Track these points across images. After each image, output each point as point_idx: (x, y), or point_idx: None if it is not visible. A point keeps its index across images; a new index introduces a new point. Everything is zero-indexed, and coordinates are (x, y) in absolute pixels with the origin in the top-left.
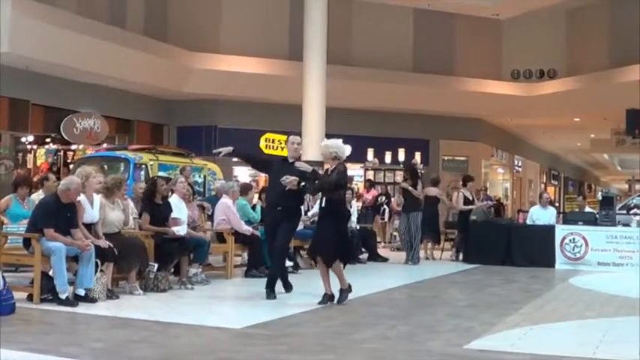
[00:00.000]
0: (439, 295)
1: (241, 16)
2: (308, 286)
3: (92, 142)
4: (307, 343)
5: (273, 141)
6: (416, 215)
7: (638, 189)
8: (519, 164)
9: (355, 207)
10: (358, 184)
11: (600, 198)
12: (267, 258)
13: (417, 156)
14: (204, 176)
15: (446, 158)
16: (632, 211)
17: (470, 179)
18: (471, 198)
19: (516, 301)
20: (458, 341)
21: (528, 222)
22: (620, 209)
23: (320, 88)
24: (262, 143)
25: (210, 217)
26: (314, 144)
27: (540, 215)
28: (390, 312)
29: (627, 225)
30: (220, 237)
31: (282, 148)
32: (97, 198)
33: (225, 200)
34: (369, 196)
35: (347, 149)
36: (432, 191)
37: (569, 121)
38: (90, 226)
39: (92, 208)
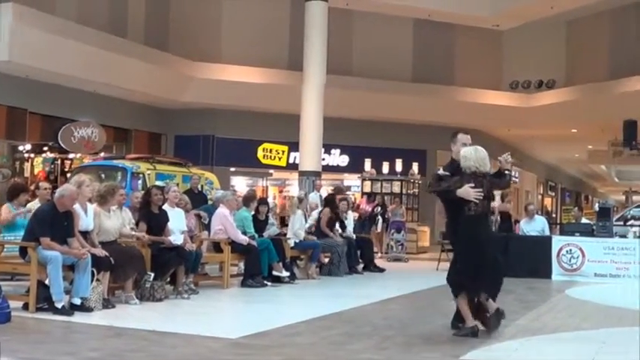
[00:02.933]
0: (435, 306)
1: (241, 26)
2: (304, 296)
3: (90, 151)
4: (304, 353)
5: (270, 151)
6: None
7: (635, 200)
8: (517, 175)
9: (351, 217)
10: (355, 195)
11: (597, 209)
12: (265, 267)
13: (415, 166)
14: (202, 186)
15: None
16: (629, 223)
17: None
18: None
19: (513, 312)
20: (454, 352)
21: (520, 233)
22: (617, 220)
23: (319, 98)
24: (260, 153)
25: (207, 227)
26: (312, 154)
27: (529, 228)
28: (386, 322)
29: (624, 236)
30: (217, 247)
31: (280, 158)
32: (92, 206)
33: (222, 210)
34: (368, 208)
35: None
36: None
37: (567, 132)
38: (85, 235)
39: (87, 216)
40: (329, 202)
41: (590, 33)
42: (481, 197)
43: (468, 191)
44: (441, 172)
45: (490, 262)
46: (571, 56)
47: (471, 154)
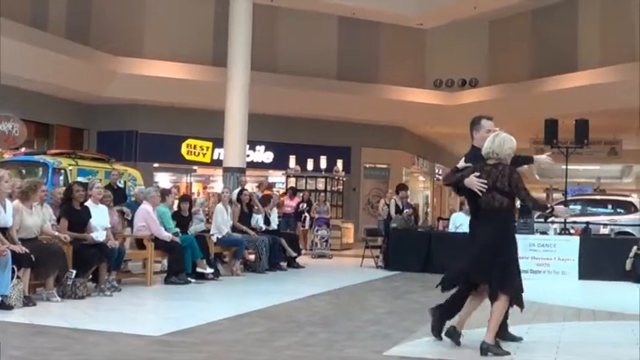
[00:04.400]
0: (359, 302)
1: (165, 21)
2: (228, 293)
3: (10, 147)
4: (227, 350)
5: (194, 147)
6: None
7: (555, 197)
8: (440, 172)
9: (276, 214)
10: (280, 191)
11: (519, 206)
12: (189, 264)
13: (339, 163)
14: (125, 182)
15: (367, 166)
16: (549, 220)
17: (403, 188)
18: (401, 206)
19: None
20: (377, 348)
21: (451, 228)
22: (538, 217)
23: (243, 94)
24: (184, 149)
25: (130, 223)
26: (236, 150)
27: (464, 221)
28: (310, 319)
29: (545, 233)
30: (140, 243)
31: (204, 155)
32: (12, 203)
33: (144, 206)
34: (292, 203)
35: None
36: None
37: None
38: (5, 231)
39: (5, 213)
40: (237, 198)
41: (512, 33)
42: (484, 189)
43: (472, 180)
44: (460, 163)
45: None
46: (493, 56)
47: (489, 141)
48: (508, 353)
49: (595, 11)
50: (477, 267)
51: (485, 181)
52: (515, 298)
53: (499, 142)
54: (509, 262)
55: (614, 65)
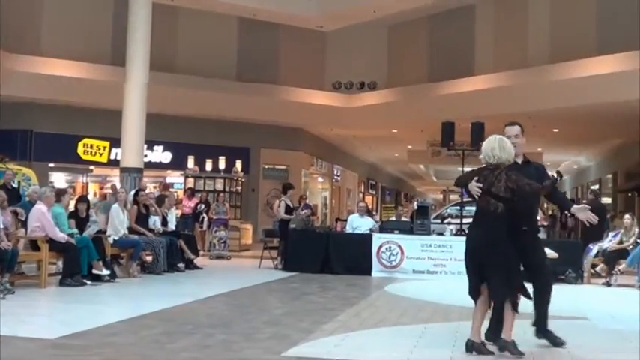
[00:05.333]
0: (257, 303)
1: (63, 19)
2: (125, 295)
3: None
4: (123, 353)
5: (91, 147)
6: None
7: (452, 199)
8: (338, 174)
9: (174, 214)
10: (178, 192)
11: (416, 207)
12: (84, 266)
13: (238, 164)
14: (19, 182)
15: (266, 167)
16: (446, 221)
17: (290, 187)
18: (292, 206)
19: (333, 308)
20: (275, 349)
21: (348, 229)
22: (434, 218)
23: (142, 94)
24: (80, 149)
25: (24, 224)
26: (134, 150)
27: (360, 223)
28: (208, 320)
29: (441, 234)
30: (35, 244)
31: (101, 155)
32: None
33: (39, 207)
34: (190, 204)
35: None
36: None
37: (388, 133)
38: None
39: None
40: (134, 199)
41: (411, 37)
42: (478, 193)
43: (472, 185)
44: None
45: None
46: (392, 59)
47: (483, 145)
48: (522, 354)
49: (490, 18)
50: (467, 269)
51: (481, 186)
52: (512, 298)
53: (490, 145)
54: (498, 265)
55: (508, 70)
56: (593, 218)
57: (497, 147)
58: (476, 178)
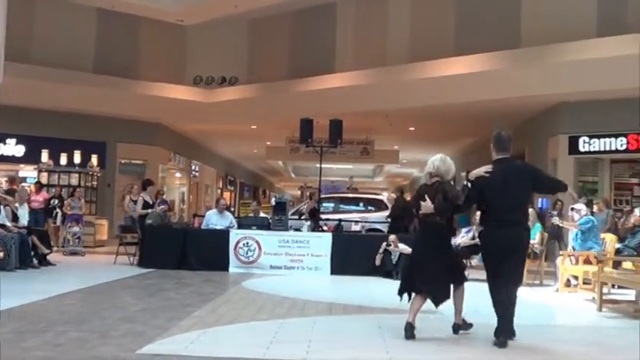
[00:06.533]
0: (112, 300)
1: None
2: None
3: None
4: None
5: None
6: None
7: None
8: (197, 169)
9: (26, 209)
10: (32, 186)
11: (274, 203)
12: None
13: (94, 159)
14: None
15: (123, 161)
16: (303, 217)
17: (150, 183)
18: (150, 202)
19: (190, 304)
20: (130, 346)
21: (204, 226)
22: (292, 214)
23: None
24: None
25: None
26: None
27: (217, 221)
28: (61, 318)
29: (299, 230)
30: None
31: None
32: None
33: None
34: (39, 198)
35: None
36: None
37: (247, 128)
38: None
39: None
40: None
41: (272, 33)
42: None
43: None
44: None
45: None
46: (253, 55)
47: (439, 162)
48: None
49: (351, 16)
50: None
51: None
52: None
53: (448, 164)
54: (440, 265)
55: (368, 69)
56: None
57: (429, 163)
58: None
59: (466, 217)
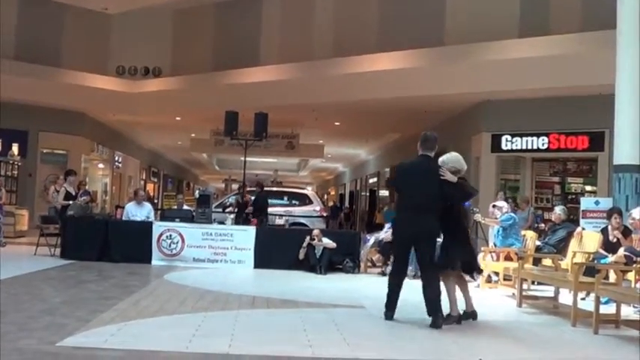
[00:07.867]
0: (32, 292)
1: None
2: None
3: None
4: None
5: None
6: None
7: (234, 188)
8: (120, 160)
9: None
10: None
11: (197, 196)
12: None
13: (15, 147)
14: None
15: (45, 151)
16: (227, 210)
17: (72, 173)
18: (73, 193)
19: (111, 297)
20: (51, 339)
21: (124, 218)
22: (216, 207)
23: None
24: None
25: None
26: None
27: (136, 212)
28: None
29: (223, 223)
30: None
31: None
32: None
33: None
34: None
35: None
36: None
37: (171, 120)
38: None
39: None
40: None
41: (197, 24)
42: None
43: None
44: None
45: None
46: (177, 46)
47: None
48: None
49: (277, 9)
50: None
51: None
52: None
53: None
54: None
55: (293, 62)
56: None
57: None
58: None
59: (391, 212)
